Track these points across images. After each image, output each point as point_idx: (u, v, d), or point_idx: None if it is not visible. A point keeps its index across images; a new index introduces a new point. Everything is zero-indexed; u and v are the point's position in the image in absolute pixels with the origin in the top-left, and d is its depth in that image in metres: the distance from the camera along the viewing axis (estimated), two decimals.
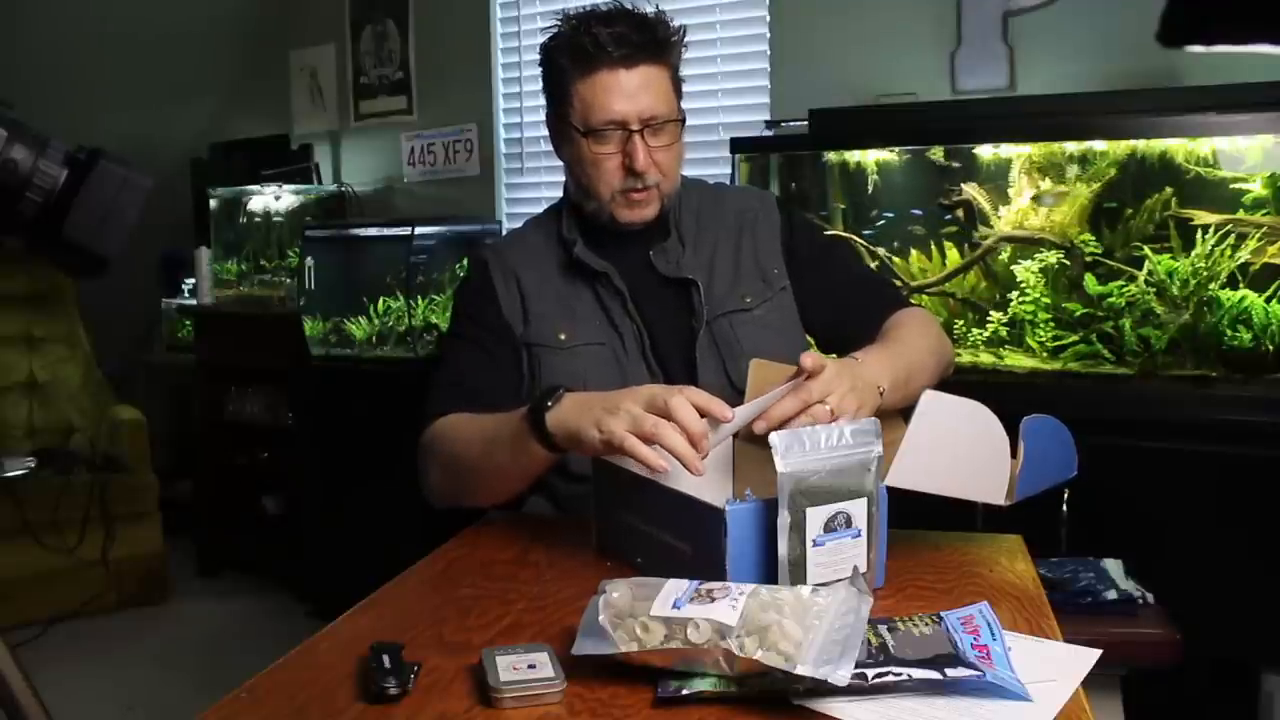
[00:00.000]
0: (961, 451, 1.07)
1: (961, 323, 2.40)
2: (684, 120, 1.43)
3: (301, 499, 3.44)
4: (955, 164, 2.36)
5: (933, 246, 2.42)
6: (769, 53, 2.99)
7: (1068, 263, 2.25)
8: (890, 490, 1.05)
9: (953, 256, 2.40)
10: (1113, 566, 1.84)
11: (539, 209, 1.64)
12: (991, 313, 2.35)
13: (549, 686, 0.82)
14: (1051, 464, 1.13)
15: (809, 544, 0.97)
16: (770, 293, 1.48)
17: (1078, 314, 2.25)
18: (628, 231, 1.46)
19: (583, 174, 1.42)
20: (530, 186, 3.50)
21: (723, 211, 1.52)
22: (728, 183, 2.31)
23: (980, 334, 2.36)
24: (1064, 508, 1.96)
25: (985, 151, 2.34)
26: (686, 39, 1.45)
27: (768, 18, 2.99)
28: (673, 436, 1.04)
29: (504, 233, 3.29)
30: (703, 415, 1.07)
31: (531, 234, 1.55)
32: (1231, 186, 2.11)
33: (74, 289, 3.90)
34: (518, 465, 1.24)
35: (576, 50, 1.37)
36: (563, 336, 1.44)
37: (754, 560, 0.99)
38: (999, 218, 2.33)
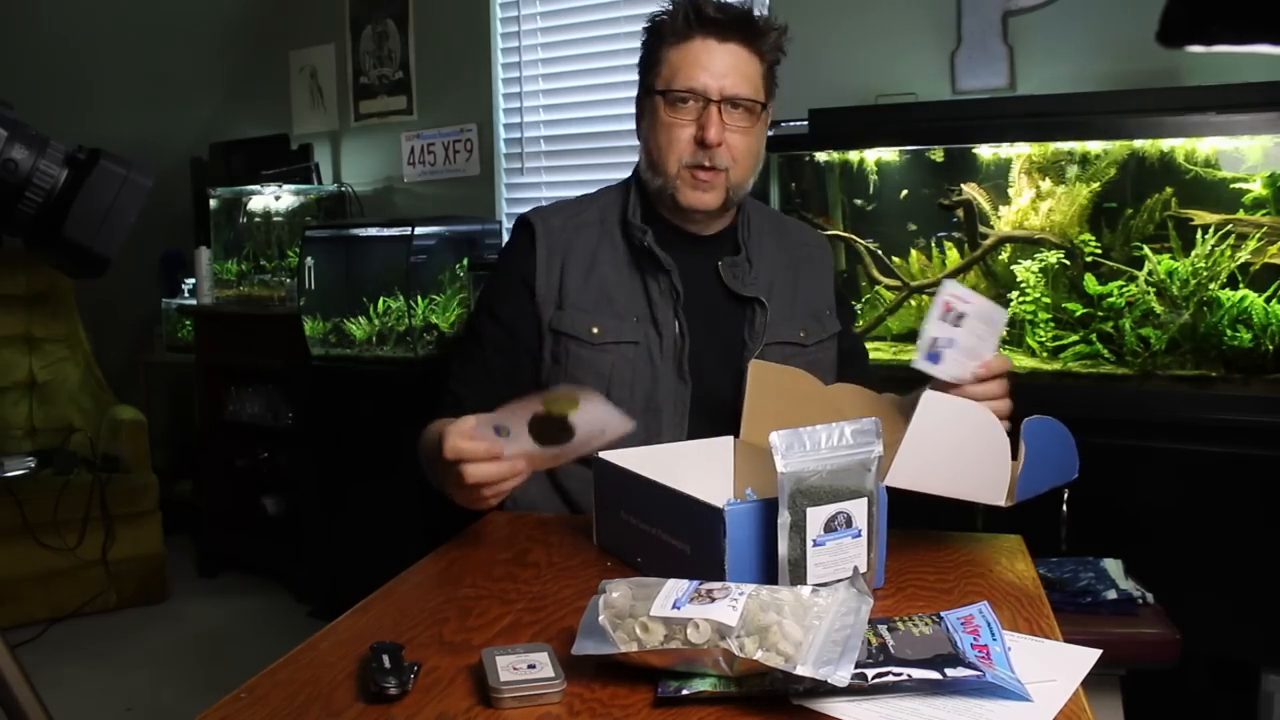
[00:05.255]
0: (962, 452, 1.07)
1: None
2: (767, 110, 1.43)
3: (301, 499, 3.44)
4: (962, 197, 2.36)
5: (933, 246, 2.42)
6: None
7: (1068, 263, 2.25)
8: (890, 490, 1.05)
9: (952, 256, 2.40)
10: (1113, 566, 1.84)
11: None
12: None
13: (549, 686, 0.82)
14: (1052, 465, 1.13)
15: (809, 544, 0.97)
16: (824, 333, 1.51)
17: (1078, 314, 2.25)
18: (698, 236, 1.46)
19: (654, 143, 1.41)
20: (530, 186, 3.49)
21: (784, 240, 1.53)
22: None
23: None
24: (1064, 508, 1.96)
25: (985, 151, 2.33)
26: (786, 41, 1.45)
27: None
28: (481, 471, 1.10)
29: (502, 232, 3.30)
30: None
31: (586, 212, 1.50)
32: (1231, 187, 2.11)
33: (74, 289, 3.90)
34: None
35: (676, 20, 1.39)
36: (595, 330, 1.41)
37: (754, 560, 0.99)
38: (999, 218, 2.33)
